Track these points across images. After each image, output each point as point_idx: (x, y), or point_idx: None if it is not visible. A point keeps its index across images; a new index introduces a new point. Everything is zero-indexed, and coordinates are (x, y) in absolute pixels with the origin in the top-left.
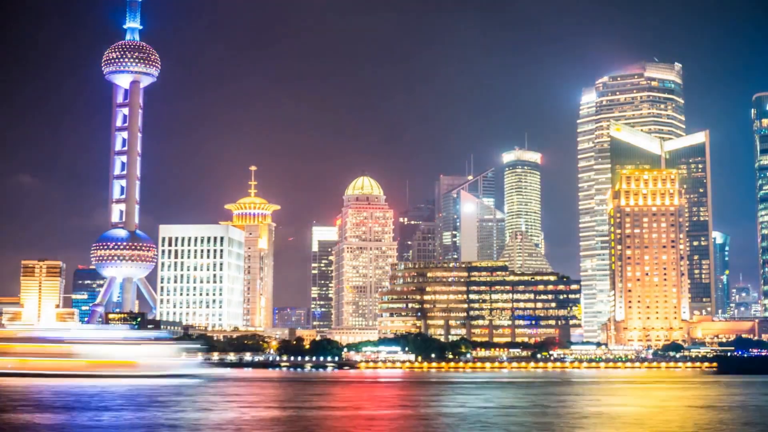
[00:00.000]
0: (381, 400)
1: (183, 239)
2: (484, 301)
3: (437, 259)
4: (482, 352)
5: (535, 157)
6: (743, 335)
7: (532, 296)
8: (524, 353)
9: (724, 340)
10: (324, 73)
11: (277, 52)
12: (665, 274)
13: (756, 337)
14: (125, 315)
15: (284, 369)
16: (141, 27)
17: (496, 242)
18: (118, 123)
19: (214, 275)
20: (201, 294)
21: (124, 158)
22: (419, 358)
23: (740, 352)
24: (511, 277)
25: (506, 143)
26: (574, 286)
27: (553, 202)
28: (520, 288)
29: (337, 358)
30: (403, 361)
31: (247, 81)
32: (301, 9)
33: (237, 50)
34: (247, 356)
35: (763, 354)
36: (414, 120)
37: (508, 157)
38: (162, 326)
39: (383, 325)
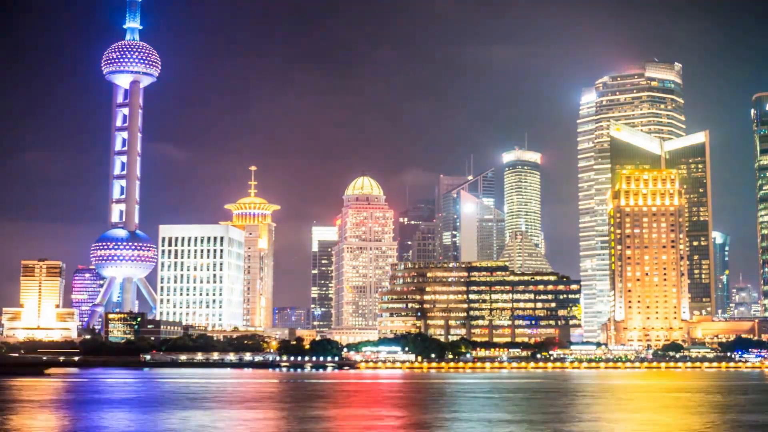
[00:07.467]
0: None
1: (183, 239)
2: (484, 301)
3: (437, 259)
4: (482, 352)
5: (535, 157)
6: (743, 335)
7: (532, 296)
8: (524, 353)
9: (724, 340)
10: (324, 73)
11: (277, 53)
12: (665, 274)
13: (756, 337)
14: (125, 315)
15: (284, 369)
16: (141, 27)
17: (496, 242)
18: (118, 123)
19: (214, 275)
20: (201, 294)
21: (124, 158)
22: (419, 358)
23: (739, 352)
24: (511, 277)
25: (506, 143)
26: (574, 286)
27: (553, 202)
28: (520, 288)
29: (337, 358)
30: (403, 361)
31: (247, 81)
32: (301, 10)
33: (237, 50)
34: (247, 356)
35: None
36: (414, 120)
37: (508, 157)
38: (162, 326)
39: (383, 325)
